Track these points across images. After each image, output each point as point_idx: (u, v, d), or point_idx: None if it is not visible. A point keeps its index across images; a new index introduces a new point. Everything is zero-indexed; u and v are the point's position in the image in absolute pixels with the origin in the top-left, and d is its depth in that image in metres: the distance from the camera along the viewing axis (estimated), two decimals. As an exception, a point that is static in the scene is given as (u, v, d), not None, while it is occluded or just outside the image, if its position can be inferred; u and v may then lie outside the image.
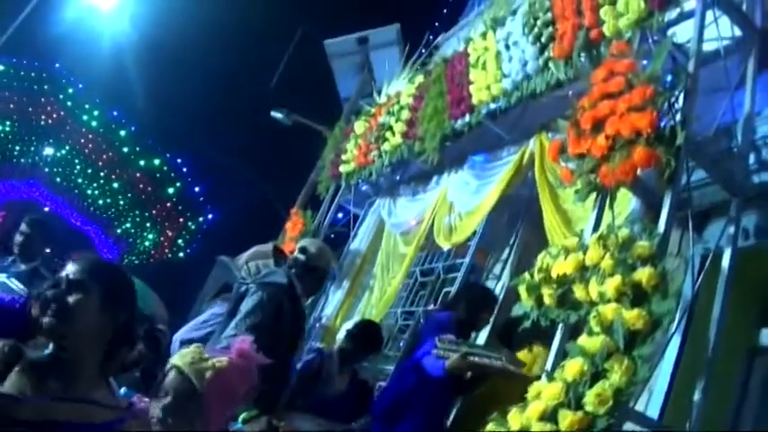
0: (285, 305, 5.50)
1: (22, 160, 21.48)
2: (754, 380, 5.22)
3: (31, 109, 21.32)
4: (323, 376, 6.18)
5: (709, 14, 4.74)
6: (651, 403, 4.54)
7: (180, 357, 3.17)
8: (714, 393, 4.30)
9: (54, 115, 21.69)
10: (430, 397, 5.55)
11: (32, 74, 21.68)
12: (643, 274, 3.46)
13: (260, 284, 5.56)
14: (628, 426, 3.73)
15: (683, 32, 4.82)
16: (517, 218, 8.43)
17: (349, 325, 6.53)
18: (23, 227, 6.37)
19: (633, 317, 3.34)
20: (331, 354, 6.39)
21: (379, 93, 9.68)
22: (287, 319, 5.48)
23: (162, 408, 3.06)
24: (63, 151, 22.34)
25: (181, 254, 24.07)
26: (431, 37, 10.22)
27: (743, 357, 5.26)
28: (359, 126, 9.43)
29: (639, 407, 4.01)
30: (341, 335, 6.43)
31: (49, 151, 22.15)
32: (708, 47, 4.82)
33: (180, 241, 24.18)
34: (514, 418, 3.48)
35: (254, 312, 5.32)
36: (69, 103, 22.08)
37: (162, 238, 24.10)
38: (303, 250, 5.86)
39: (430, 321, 6.23)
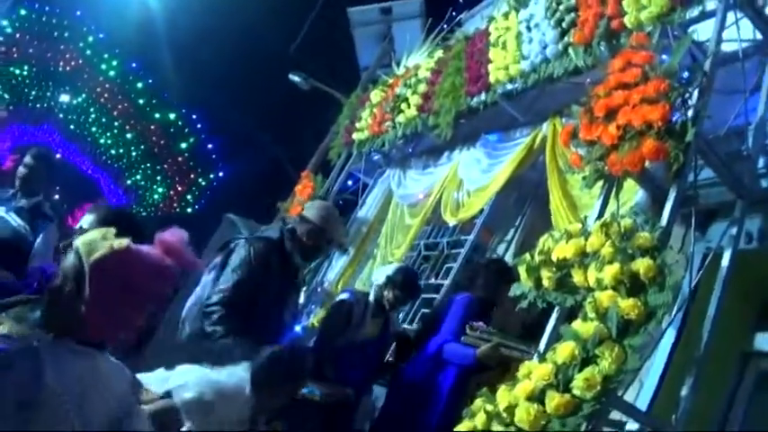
0: (273, 260, 5.50)
1: (38, 105, 21.47)
2: (746, 383, 5.26)
3: (49, 55, 21.31)
4: (352, 321, 6.14)
5: (731, 16, 4.75)
6: (641, 396, 4.60)
7: (82, 237, 2.76)
8: (704, 393, 4.33)
9: (72, 62, 21.68)
10: (454, 384, 5.61)
11: (53, 20, 21.67)
12: (642, 265, 3.49)
13: (249, 239, 5.60)
14: (615, 415, 3.80)
15: (704, 31, 4.83)
16: (525, 200, 8.48)
17: (388, 270, 6.40)
18: (28, 159, 6.05)
19: (628, 306, 3.38)
20: (359, 299, 6.35)
21: (398, 64, 9.69)
22: (275, 274, 5.47)
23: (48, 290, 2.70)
24: (79, 99, 22.32)
25: (189, 209, 24.12)
26: (454, 13, 10.23)
27: (736, 360, 5.30)
28: (375, 95, 9.44)
29: (629, 398, 4.06)
30: (380, 280, 6.31)
31: (65, 98, 22.13)
32: (727, 48, 4.83)
33: (189, 197, 24.22)
34: (503, 395, 3.53)
35: (242, 266, 5.35)
36: (89, 52, 22.05)
37: (171, 192, 24.12)
38: (306, 210, 5.89)
39: (450, 303, 6.14)
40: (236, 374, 4.20)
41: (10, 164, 6.31)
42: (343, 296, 6.53)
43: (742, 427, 5.09)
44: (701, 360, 4.13)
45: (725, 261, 4.50)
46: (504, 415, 3.46)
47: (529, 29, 6.37)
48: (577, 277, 3.81)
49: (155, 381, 3.77)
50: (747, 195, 4.62)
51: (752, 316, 5.40)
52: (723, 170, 4.54)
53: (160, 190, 24.07)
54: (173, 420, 3.63)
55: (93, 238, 2.70)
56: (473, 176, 7.49)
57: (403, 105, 8.39)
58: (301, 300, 7.36)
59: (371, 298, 6.28)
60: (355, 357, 6.05)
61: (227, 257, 5.49)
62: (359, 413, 6.25)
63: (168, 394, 3.72)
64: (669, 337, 4.60)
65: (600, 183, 4.32)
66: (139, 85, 23.02)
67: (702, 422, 4.78)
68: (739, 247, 4.62)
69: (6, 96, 20.39)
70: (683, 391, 4.05)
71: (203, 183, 24.20)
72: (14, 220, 5.62)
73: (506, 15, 6.97)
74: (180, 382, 3.88)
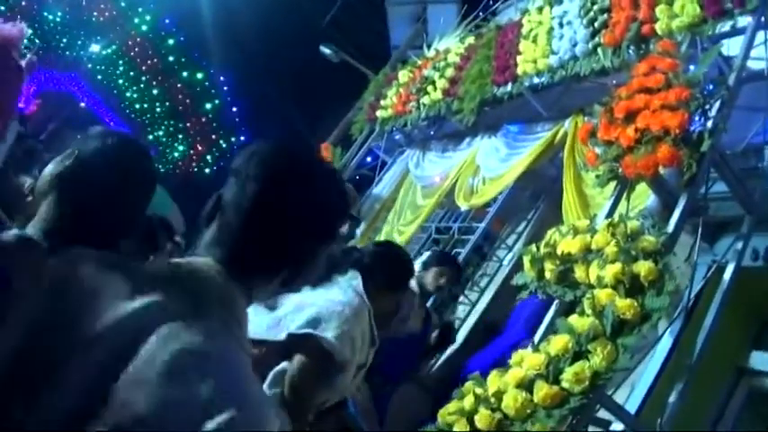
0: None
1: (67, 52, 21.44)
2: (736, 399, 5.30)
3: (84, 3, 21.31)
4: (400, 313, 5.37)
5: (761, 35, 4.77)
6: (631, 399, 4.64)
7: None
8: (694, 403, 4.38)
9: (106, 13, 21.65)
10: None
11: (89, -32, 21.73)
12: (643, 267, 3.53)
13: None
14: (603, 415, 3.85)
15: (733, 46, 4.85)
16: (540, 194, 8.51)
17: (422, 258, 6.09)
18: None
19: (625, 306, 3.42)
20: None
21: (429, 46, 9.73)
22: None
23: None
24: (109, 50, 22.24)
25: (207, 170, 24.11)
26: (490, 1, 10.23)
27: (730, 375, 5.33)
28: (403, 75, 9.48)
29: (619, 400, 4.10)
30: (417, 270, 5.80)
31: (95, 48, 22.04)
32: (753, 65, 4.85)
33: (208, 157, 24.20)
34: (493, 380, 3.58)
35: None
36: (123, 4, 22.01)
37: (191, 152, 24.10)
38: None
39: (522, 308, 5.98)
40: (350, 287, 3.89)
41: (34, 108, 6.33)
42: None
43: (728, 440, 5.15)
44: (693, 370, 4.16)
45: (727, 275, 4.53)
46: (492, 400, 3.51)
47: (561, 25, 6.40)
48: (579, 273, 3.85)
49: (262, 327, 3.56)
50: (757, 212, 4.65)
51: (750, 333, 5.43)
52: (736, 185, 4.56)
53: (180, 148, 24.06)
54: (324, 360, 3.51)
55: None
56: (491, 164, 7.53)
57: (429, 87, 8.42)
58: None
59: (415, 290, 5.82)
60: (398, 354, 5.52)
61: None
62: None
63: (294, 336, 3.52)
64: (665, 344, 4.63)
65: (613, 183, 4.36)
66: (170, 41, 22.99)
67: (689, 431, 4.82)
68: (744, 263, 4.65)
69: (37, 41, 20.40)
70: (673, 399, 4.09)
71: (224, 145, 24.19)
72: None
73: (540, 10, 7.00)
74: (302, 317, 3.58)
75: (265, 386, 3.42)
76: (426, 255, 6.15)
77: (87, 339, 1.64)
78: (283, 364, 3.50)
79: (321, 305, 3.62)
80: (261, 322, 3.55)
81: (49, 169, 2.41)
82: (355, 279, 3.91)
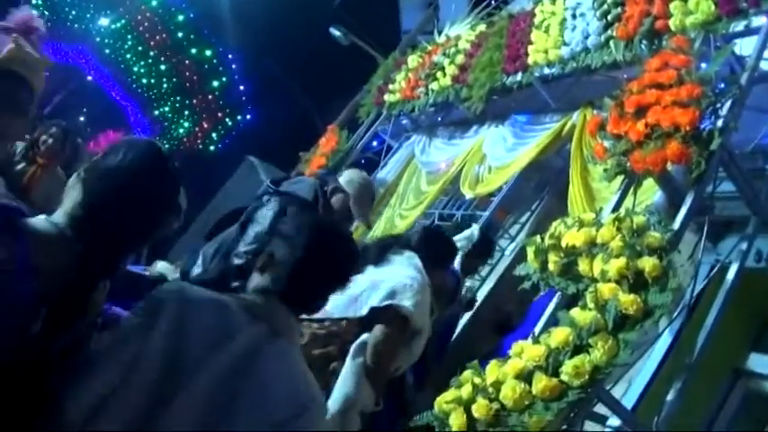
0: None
1: (76, 25, 21.37)
2: (733, 400, 5.30)
3: (94, -24, 21.26)
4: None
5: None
6: (628, 395, 4.63)
7: None
8: (690, 402, 4.37)
9: (116, -13, 21.66)
10: None
11: (99, -58, 21.63)
12: (647, 263, 3.51)
13: (284, 197, 5.14)
14: (600, 410, 3.84)
15: (746, 46, 4.83)
16: (545, 186, 8.49)
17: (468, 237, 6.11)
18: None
19: (628, 301, 3.41)
20: None
21: (440, 32, 9.69)
22: None
23: None
24: (118, 24, 22.15)
25: (212, 147, 24.05)
26: (502, -10, 10.19)
27: (728, 376, 5.33)
28: (412, 60, 9.46)
29: (616, 395, 4.09)
30: None
31: (103, 21, 21.98)
32: (766, 66, 4.82)
33: (214, 135, 24.12)
34: (492, 369, 3.57)
35: (270, 228, 4.85)
36: (133, -23, 21.98)
37: (197, 129, 24.03)
38: (346, 181, 5.40)
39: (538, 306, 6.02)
40: (410, 264, 4.28)
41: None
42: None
43: (720, 442, 5.15)
44: (691, 369, 4.15)
45: (730, 275, 4.52)
46: (491, 390, 3.50)
47: (574, 17, 6.37)
48: (583, 266, 3.84)
49: (340, 306, 3.90)
50: (763, 214, 4.63)
51: (750, 335, 5.43)
52: (743, 185, 4.54)
53: (186, 125, 23.98)
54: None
55: None
56: (497, 153, 7.51)
57: (438, 74, 8.40)
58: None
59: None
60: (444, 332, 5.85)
61: (256, 210, 5.30)
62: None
63: (377, 309, 3.90)
64: (665, 342, 4.62)
65: (620, 177, 4.34)
66: (180, 17, 22.89)
67: (685, 430, 4.82)
68: (748, 264, 4.64)
69: (46, 13, 20.32)
70: (669, 397, 4.08)
71: (230, 123, 24.10)
72: None
73: (554, 0, 6.95)
74: (380, 292, 3.96)
75: (349, 357, 3.78)
76: (473, 234, 6.19)
77: (211, 363, 2.36)
78: (363, 336, 3.86)
79: (393, 280, 4.01)
80: (336, 302, 3.77)
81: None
82: (413, 257, 4.29)
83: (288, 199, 5.12)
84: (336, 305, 3.83)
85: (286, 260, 2.60)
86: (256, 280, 2.62)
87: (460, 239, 5.94)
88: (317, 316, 3.70)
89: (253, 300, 2.56)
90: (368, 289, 3.98)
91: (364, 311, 3.88)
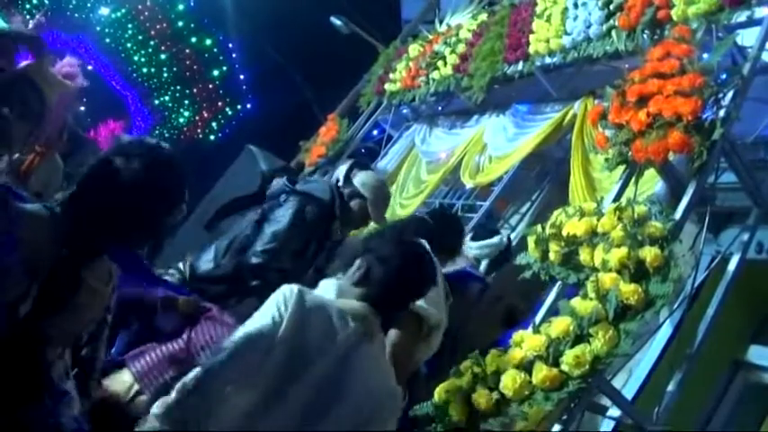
0: (321, 226, 5.20)
1: (76, 14, 21.32)
2: (732, 392, 5.31)
3: (94, -35, 21.21)
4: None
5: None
6: (628, 385, 4.63)
7: None
8: (691, 393, 4.38)
9: (116, -25, 21.60)
10: None
11: (99, -69, 21.56)
12: (649, 253, 3.50)
13: (302, 197, 5.19)
14: (599, 400, 3.84)
15: (749, 37, 4.80)
16: (545, 176, 8.50)
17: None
18: None
19: (629, 291, 3.40)
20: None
21: (441, 21, 9.65)
22: (317, 238, 5.21)
23: None
24: (118, 13, 22.08)
25: (212, 136, 24.03)
26: (503, -21, 10.15)
27: (727, 368, 5.34)
28: (413, 49, 9.43)
29: (616, 386, 4.09)
30: (473, 251, 5.83)
31: (104, 11, 21.95)
32: (768, 57, 4.80)
33: (214, 124, 24.10)
34: (492, 359, 3.56)
35: (290, 227, 5.01)
36: (133, -33, 21.92)
37: (197, 118, 24.01)
38: (362, 184, 5.33)
39: None
40: None
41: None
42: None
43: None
44: (692, 360, 4.15)
45: (731, 266, 4.52)
46: (491, 379, 3.49)
47: (576, 6, 6.34)
48: (584, 255, 3.82)
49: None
50: (765, 205, 4.62)
51: (750, 326, 5.44)
52: (745, 176, 4.53)
53: (186, 114, 23.96)
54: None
55: None
56: (498, 143, 7.50)
57: (439, 63, 8.38)
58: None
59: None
60: None
61: (273, 209, 5.18)
62: None
63: None
64: (665, 332, 4.62)
65: (621, 167, 4.33)
66: (180, 6, 22.84)
67: (684, 421, 4.82)
68: (749, 256, 4.64)
69: (46, 2, 20.29)
70: (670, 388, 4.07)
71: (230, 112, 24.08)
72: None
73: (555, -10, 6.93)
74: None
75: None
76: (502, 242, 6.03)
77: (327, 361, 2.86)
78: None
79: None
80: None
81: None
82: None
83: (306, 199, 5.15)
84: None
85: (380, 279, 3.12)
86: (354, 292, 3.14)
87: (487, 246, 5.90)
88: None
89: (352, 306, 3.06)
90: None
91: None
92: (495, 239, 5.88)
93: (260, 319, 2.90)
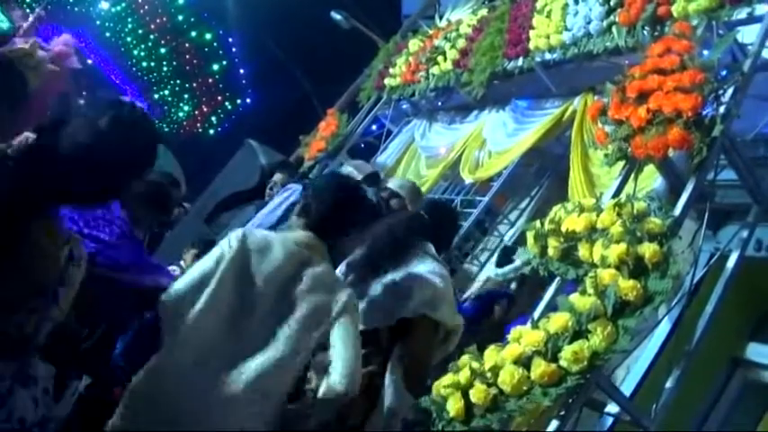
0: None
1: (76, 8, 21.29)
2: (731, 389, 5.31)
3: (93, -41, 21.17)
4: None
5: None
6: (626, 382, 4.63)
7: None
8: (689, 390, 4.38)
9: (116, -31, 21.56)
10: None
11: None
12: (648, 249, 3.49)
13: None
14: (597, 396, 3.83)
15: (749, 34, 4.79)
16: (545, 172, 8.50)
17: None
18: None
19: (628, 287, 3.39)
20: None
21: (441, 17, 9.66)
22: None
23: None
24: (118, 7, 22.06)
25: (211, 131, 24.04)
26: (505, -26, 10.14)
27: (726, 365, 5.34)
28: (413, 44, 9.42)
29: (614, 382, 4.09)
30: (500, 277, 6.34)
31: (103, 5, 21.90)
32: (768, 54, 4.79)
33: (213, 118, 24.10)
34: (490, 355, 3.55)
35: None
36: (133, -39, 21.88)
37: (196, 112, 24.00)
38: (399, 187, 5.62)
39: None
40: (430, 254, 4.31)
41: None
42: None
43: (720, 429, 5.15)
44: (690, 357, 4.15)
45: (730, 263, 4.52)
46: (489, 375, 3.49)
47: (576, 2, 6.33)
48: (583, 251, 3.81)
49: (364, 315, 3.91)
50: (764, 202, 4.61)
51: (748, 324, 5.43)
52: (744, 173, 4.52)
53: (186, 108, 23.95)
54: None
55: None
56: (497, 138, 7.50)
57: (439, 58, 8.37)
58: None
59: None
60: None
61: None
62: None
63: (407, 320, 3.93)
64: (664, 329, 4.62)
65: (620, 163, 4.32)
66: (180, 1, 22.82)
67: (682, 418, 4.82)
68: (748, 253, 4.63)
69: (47, -4, 20.29)
70: (668, 384, 4.07)
71: (230, 107, 24.08)
72: None
73: (556, -16, 6.92)
74: (406, 301, 3.96)
75: (388, 372, 3.87)
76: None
77: None
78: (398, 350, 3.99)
79: (420, 287, 4.00)
80: (360, 311, 3.86)
81: None
82: (426, 245, 4.33)
83: None
84: (360, 314, 3.84)
85: (316, 208, 3.66)
86: (299, 223, 3.68)
87: (511, 270, 6.17)
88: None
89: (296, 235, 3.61)
90: (391, 297, 3.99)
91: (392, 322, 3.92)
92: (517, 263, 6.13)
93: (206, 259, 3.44)
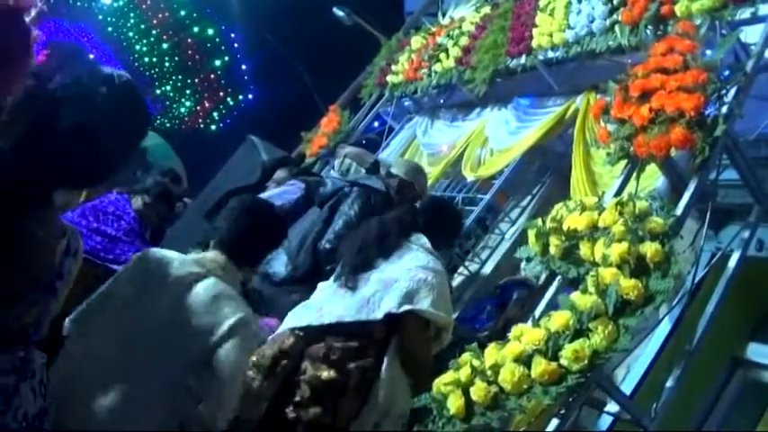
0: (383, 212, 5.38)
1: (78, 3, 21.29)
2: (730, 389, 5.31)
3: (96, -47, 21.18)
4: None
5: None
6: (626, 381, 4.63)
7: None
8: (689, 389, 4.38)
9: (118, -36, 21.56)
10: None
11: None
12: (649, 248, 3.49)
13: (365, 189, 5.53)
14: (597, 395, 3.83)
15: (752, 34, 4.79)
16: (546, 170, 8.49)
17: None
18: None
19: (629, 286, 3.39)
20: None
21: (444, 14, 9.66)
22: None
23: None
24: (120, 2, 22.08)
25: (213, 126, 24.05)
26: (508, -29, 10.13)
27: (726, 364, 5.34)
28: (416, 41, 9.42)
29: (615, 381, 4.09)
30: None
31: (106, 0, 21.96)
32: (771, 55, 4.79)
33: (215, 114, 24.11)
34: (491, 353, 3.55)
35: (359, 215, 5.30)
36: (135, -44, 21.88)
37: (198, 108, 24.01)
38: (397, 167, 5.77)
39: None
40: (419, 248, 4.21)
41: (42, 58, 6.25)
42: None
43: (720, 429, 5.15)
44: (691, 356, 4.14)
45: (732, 263, 4.52)
46: (489, 373, 3.49)
47: (579, 0, 6.32)
48: (585, 250, 3.81)
49: (352, 308, 3.87)
50: (766, 202, 4.61)
51: (749, 324, 5.44)
52: (746, 173, 4.52)
53: (187, 104, 23.97)
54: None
55: None
56: (499, 136, 7.50)
57: (442, 55, 8.37)
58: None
59: None
60: None
61: (339, 203, 5.50)
62: None
63: (394, 315, 3.80)
64: (664, 328, 4.62)
65: (622, 162, 4.32)
66: (183, -5, 22.85)
67: (682, 417, 4.82)
68: (749, 253, 4.63)
69: (49, -9, 20.27)
70: (668, 384, 4.07)
71: (231, 102, 24.09)
72: None
73: (559, -18, 6.92)
74: (394, 295, 3.86)
75: (384, 368, 3.72)
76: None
77: None
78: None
79: (406, 278, 3.91)
80: (348, 304, 3.88)
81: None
82: (421, 238, 4.25)
83: (368, 190, 5.51)
84: (348, 307, 3.83)
85: (223, 228, 3.70)
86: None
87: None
88: (327, 322, 3.81)
89: (203, 255, 3.66)
90: (380, 290, 3.89)
91: (379, 315, 3.77)
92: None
93: (112, 279, 3.50)
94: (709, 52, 4.50)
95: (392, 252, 4.16)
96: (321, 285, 4.23)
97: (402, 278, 3.90)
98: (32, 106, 2.46)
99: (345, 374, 3.64)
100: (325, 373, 3.63)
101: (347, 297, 3.93)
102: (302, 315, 3.95)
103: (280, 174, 6.83)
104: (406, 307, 3.76)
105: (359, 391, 3.66)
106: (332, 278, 4.20)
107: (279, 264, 5.37)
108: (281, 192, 6.23)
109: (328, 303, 3.96)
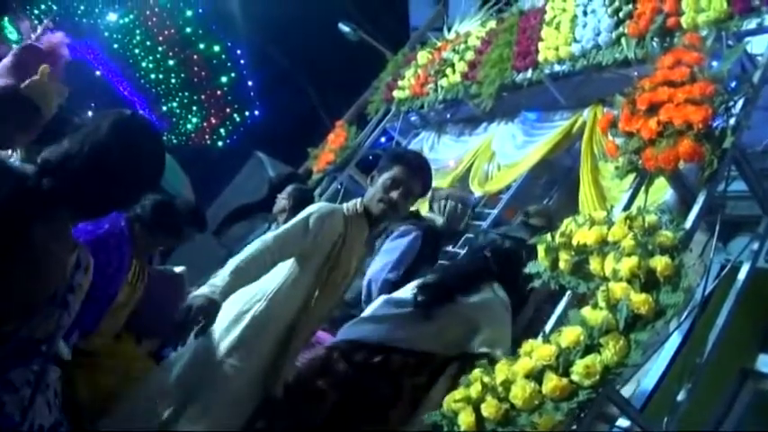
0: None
1: (84, 20, 21.38)
2: (740, 401, 5.25)
3: (102, -29, 21.29)
4: None
5: (788, 34, 4.70)
6: (636, 395, 4.60)
7: None
8: (699, 402, 4.34)
9: (124, -19, 21.68)
10: None
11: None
12: (659, 262, 3.48)
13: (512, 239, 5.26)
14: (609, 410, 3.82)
15: (759, 45, 4.79)
16: (554, 184, 8.47)
17: None
18: None
19: (640, 301, 3.37)
20: None
21: (450, 29, 9.67)
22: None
23: None
24: (126, 19, 22.17)
25: (220, 143, 24.09)
26: (513, -15, 10.16)
27: (736, 376, 5.30)
28: (422, 56, 9.43)
29: (625, 395, 4.07)
30: None
31: (112, 17, 22.04)
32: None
33: (222, 131, 24.14)
34: (501, 369, 3.54)
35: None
36: (141, -27, 22.00)
37: (205, 124, 24.07)
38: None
39: None
40: (500, 295, 4.38)
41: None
42: None
43: (727, 443, 5.12)
44: (701, 369, 4.12)
45: (741, 275, 4.48)
46: (500, 389, 3.47)
47: (585, 13, 6.33)
48: (594, 265, 3.80)
49: (427, 336, 4.03)
50: (775, 214, 4.60)
51: (758, 335, 5.39)
52: (755, 184, 4.50)
53: (194, 120, 24.01)
54: None
55: None
56: (506, 151, 7.50)
57: (448, 70, 8.37)
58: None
59: None
60: None
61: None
62: None
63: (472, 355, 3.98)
64: (674, 342, 4.60)
65: (630, 176, 4.31)
66: (189, 13, 22.87)
67: (693, 430, 4.79)
68: (759, 264, 4.60)
69: (54, 7, 20.33)
70: (679, 397, 4.05)
71: (238, 119, 24.12)
72: None
73: (565, -3, 6.93)
74: (474, 335, 4.06)
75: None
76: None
77: None
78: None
79: (490, 324, 4.13)
80: (422, 331, 4.04)
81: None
82: (500, 289, 4.44)
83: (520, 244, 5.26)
84: (422, 334, 3.92)
85: None
86: None
87: None
88: (403, 346, 3.93)
89: None
90: (458, 325, 4.07)
91: (454, 352, 3.97)
92: None
93: None
94: (715, 64, 4.49)
95: (472, 291, 4.31)
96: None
97: (484, 320, 4.10)
98: (61, 132, 2.58)
99: (399, 388, 3.69)
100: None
101: (422, 324, 4.09)
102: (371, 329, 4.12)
103: (289, 189, 6.82)
104: (485, 350, 3.95)
105: (411, 404, 3.71)
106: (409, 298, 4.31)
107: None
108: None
109: (401, 327, 4.09)
